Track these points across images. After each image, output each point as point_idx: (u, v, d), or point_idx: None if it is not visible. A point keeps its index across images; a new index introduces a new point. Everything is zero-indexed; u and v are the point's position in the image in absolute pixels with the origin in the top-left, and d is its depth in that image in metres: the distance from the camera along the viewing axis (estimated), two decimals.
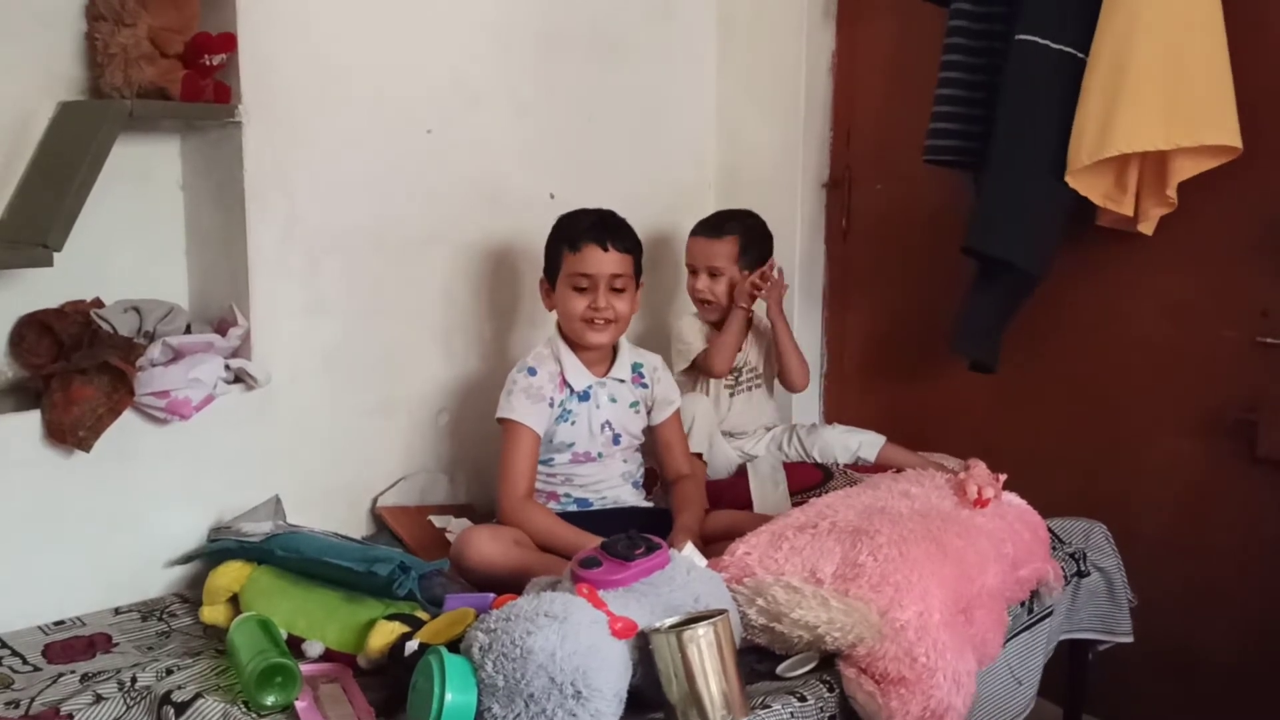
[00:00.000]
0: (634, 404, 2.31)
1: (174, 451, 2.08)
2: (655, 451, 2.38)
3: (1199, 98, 2.06)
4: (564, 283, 2.23)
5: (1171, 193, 2.14)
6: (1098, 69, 2.10)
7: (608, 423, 2.27)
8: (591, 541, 2.03)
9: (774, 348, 2.60)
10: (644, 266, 2.31)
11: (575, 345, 2.27)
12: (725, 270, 2.53)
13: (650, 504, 2.34)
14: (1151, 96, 2.05)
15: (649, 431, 2.36)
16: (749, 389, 2.62)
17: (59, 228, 1.88)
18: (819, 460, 2.54)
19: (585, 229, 2.21)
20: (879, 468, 2.45)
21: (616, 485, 2.30)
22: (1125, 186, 2.17)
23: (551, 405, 2.23)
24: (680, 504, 2.25)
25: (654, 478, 2.45)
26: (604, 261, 2.19)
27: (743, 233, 2.55)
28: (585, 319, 2.21)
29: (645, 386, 2.34)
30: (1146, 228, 2.20)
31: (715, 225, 2.57)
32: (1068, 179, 2.13)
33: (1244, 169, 2.11)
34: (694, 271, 2.57)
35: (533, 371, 2.23)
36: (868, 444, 2.52)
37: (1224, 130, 2.06)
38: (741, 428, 2.59)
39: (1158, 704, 2.36)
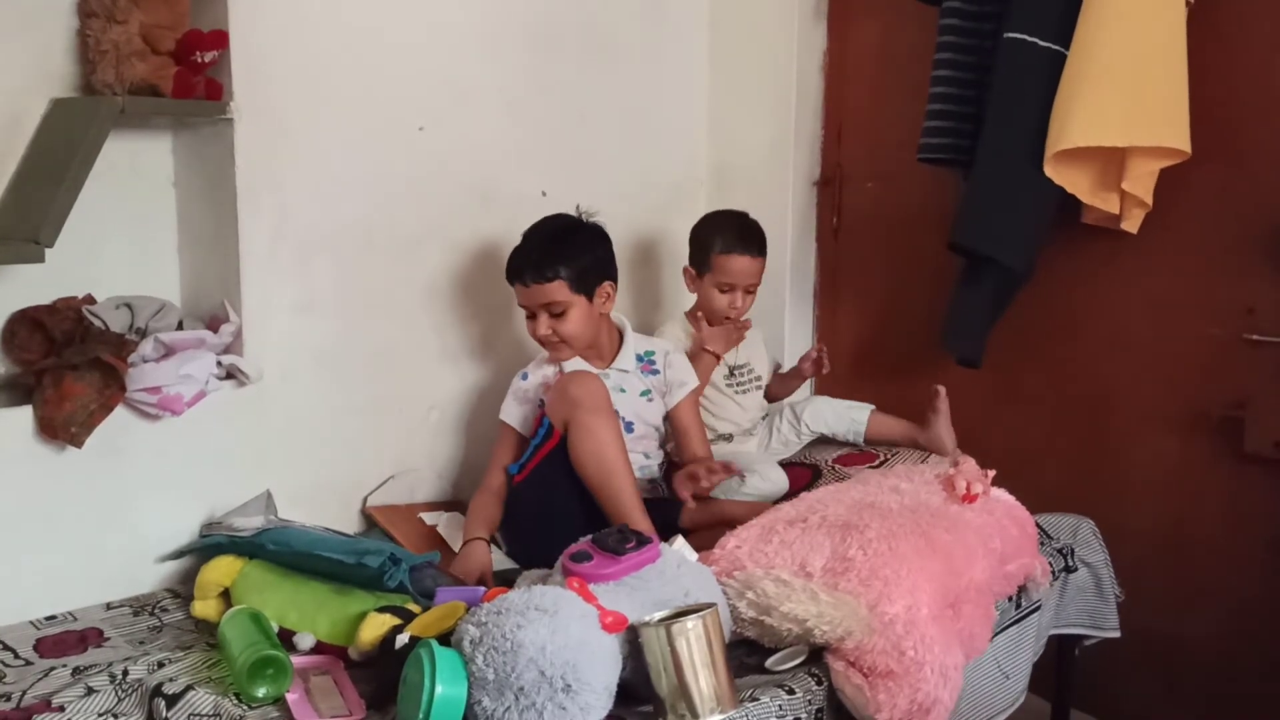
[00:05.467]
0: (645, 392, 2.33)
1: (166, 447, 2.08)
2: (674, 437, 2.40)
3: (1159, 99, 2.06)
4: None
5: (1142, 193, 2.15)
6: (1070, 64, 2.12)
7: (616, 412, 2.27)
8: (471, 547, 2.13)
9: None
10: (622, 265, 2.35)
11: None
12: (757, 288, 2.54)
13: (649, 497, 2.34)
14: (1111, 94, 2.06)
15: (666, 418, 2.37)
16: (752, 389, 2.62)
17: (51, 224, 1.88)
18: (811, 429, 2.57)
19: (511, 268, 2.27)
20: (870, 444, 2.52)
21: None
22: (1111, 184, 2.18)
23: (541, 407, 2.25)
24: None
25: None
26: (529, 295, 2.24)
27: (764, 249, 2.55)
28: (539, 341, 2.29)
29: (656, 373, 2.36)
30: (1131, 225, 2.21)
31: (751, 242, 2.51)
32: (1046, 171, 2.14)
33: (1229, 167, 2.13)
34: (729, 290, 2.49)
35: (524, 376, 2.33)
36: (858, 407, 2.56)
37: (1177, 134, 2.07)
38: (744, 425, 2.59)
39: (1144, 698, 2.37)
